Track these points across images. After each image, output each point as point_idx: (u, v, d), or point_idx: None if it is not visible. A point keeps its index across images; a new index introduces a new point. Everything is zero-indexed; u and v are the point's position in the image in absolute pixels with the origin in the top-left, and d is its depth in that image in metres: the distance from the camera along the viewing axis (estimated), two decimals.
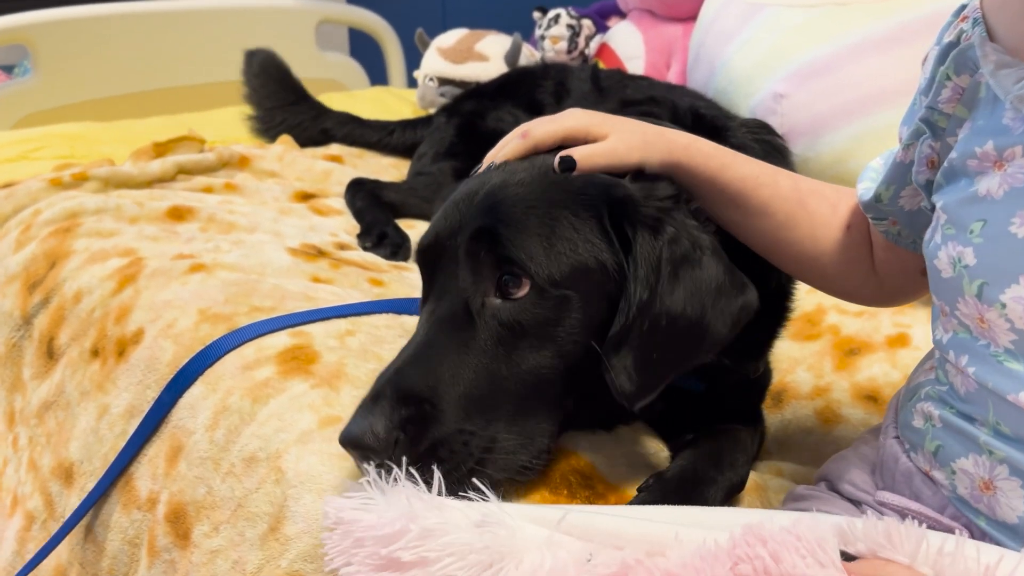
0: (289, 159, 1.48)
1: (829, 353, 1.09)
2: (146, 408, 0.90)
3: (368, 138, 1.66)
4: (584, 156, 0.73)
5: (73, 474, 0.96)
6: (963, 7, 0.63)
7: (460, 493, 0.61)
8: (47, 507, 1.01)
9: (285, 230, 1.17)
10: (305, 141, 1.64)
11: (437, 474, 0.60)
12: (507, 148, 0.77)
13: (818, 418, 1.02)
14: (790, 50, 1.29)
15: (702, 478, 0.76)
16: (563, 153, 0.73)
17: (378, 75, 2.57)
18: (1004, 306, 0.55)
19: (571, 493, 0.75)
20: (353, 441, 0.64)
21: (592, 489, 0.76)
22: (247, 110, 1.72)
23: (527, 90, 1.43)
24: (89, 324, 1.01)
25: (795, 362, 1.10)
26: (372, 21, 2.39)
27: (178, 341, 0.91)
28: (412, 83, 2.49)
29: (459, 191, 0.76)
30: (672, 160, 0.75)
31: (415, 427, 0.64)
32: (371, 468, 0.61)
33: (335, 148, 1.63)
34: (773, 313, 0.93)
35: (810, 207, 0.78)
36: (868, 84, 1.24)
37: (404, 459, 0.61)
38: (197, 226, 1.14)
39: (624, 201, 0.70)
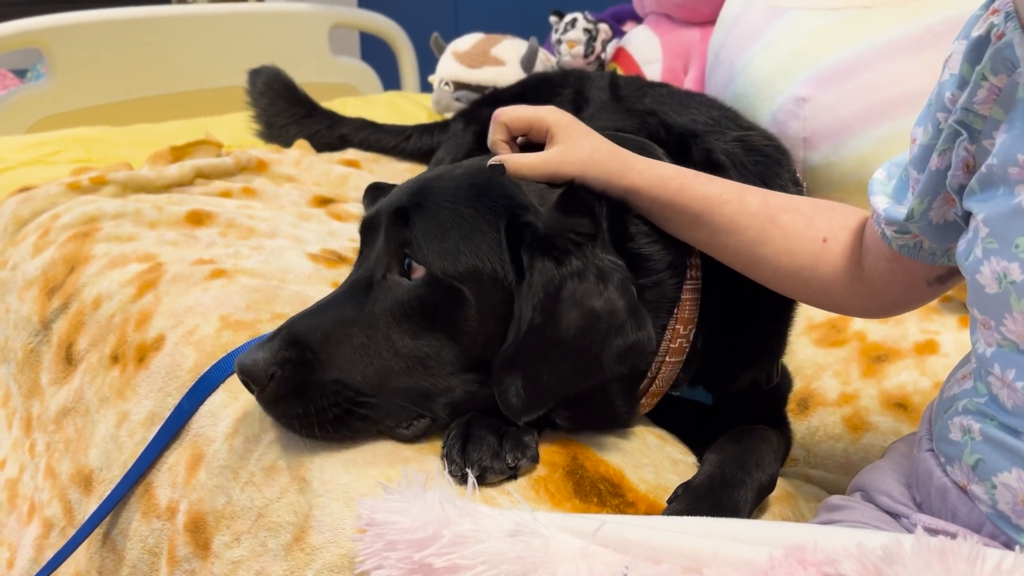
0: (306, 164, 1.47)
1: (856, 359, 1.07)
2: (167, 415, 0.89)
3: (384, 143, 1.65)
4: (516, 165, 0.78)
5: (92, 481, 0.96)
6: (991, 0, 0.60)
7: (319, 435, 0.73)
8: (66, 514, 1.00)
9: (305, 235, 1.16)
10: (322, 148, 1.63)
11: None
12: (490, 133, 0.85)
13: (846, 425, 1.01)
14: (813, 53, 1.28)
15: (730, 481, 0.75)
16: (496, 159, 0.79)
17: (390, 80, 2.57)
18: None
19: (601, 501, 0.74)
20: (240, 368, 0.73)
21: (622, 497, 0.74)
22: (257, 125, 1.71)
23: (546, 98, 1.42)
24: (109, 330, 1.00)
25: (821, 368, 1.08)
26: (385, 25, 2.38)
27: (200, 348, 0.90)
28: (426, 88, 2.49)
29: (413, 177, 0.84)
30: (626, 185, 0.78)
31: (292, 368, 0.72)
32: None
33: (351, 153, 1.62)
34: (778, 326, 0.93)
35: (782, 222, 0.77)
36: (893, 87, 1.22)
37: (274, 391, 0.72)
38: (216, 231, 1.14)
39: (522, 227, 0.74)
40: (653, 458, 0.82)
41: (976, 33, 0.59)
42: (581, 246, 0.75)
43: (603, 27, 1.84)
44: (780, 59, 1.31)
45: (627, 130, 0.93)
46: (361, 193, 1.44)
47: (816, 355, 1.10)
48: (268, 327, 0.90)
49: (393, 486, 0.63)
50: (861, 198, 1.26)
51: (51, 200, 1.20)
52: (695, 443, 0.88)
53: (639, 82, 1.42)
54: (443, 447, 0.73)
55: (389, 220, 0.77)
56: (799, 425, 1.03)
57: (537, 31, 2.03)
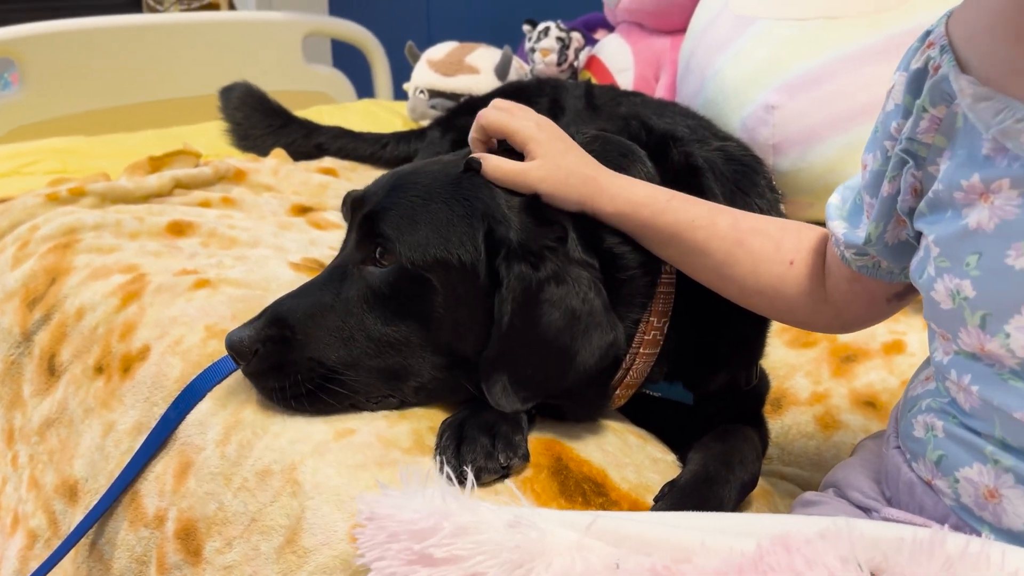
0: (284, 172, 1.48)
1: (826, 360, 1.11)
2: (153, 425, 0.89)
3: (361, 151, 1.66)
4: (492, 168, 0.80)
5: (78, 492, 0.96)
6: (928, 33, 0.63)
7: (294, 407, 0.79)
8: (51, 525, 1.00)
9: (286, 244, 1.17)
10: (299, 157, 1.64)
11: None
12: (471, 131, 0.87)
13: (818, 424, 1.04)
14: (782, 62, 1.31)
15: (715, 479, 0.78)
16: (475, 155, 0.82)
17: (363, 88, 2.58)
18: (1008, 336, 0.55)
19: (586, 500, 0.76)
20: (228, 343, 0.80)
21: (606, 496, 0.77)
22: (232, 138, 1.72)
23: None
24: (92, 341, 1.00)
25: (792, 368, 1.12)
26: (359, 33, 2.40)
27: (186, 358, 0.91)
28: (399, 95, 2.51)
29: (396, 168, 0.89)
30: (598, 210, 0.81)
31: (273, 345, 0.78)
32: None
33: (328, 161, 1.63)
34: (754, 328, 0.96)
35: (749, 245, 0.80)
36: (859, 95, 1.26)
37: (257, 365, 0.78)
38: (198, 241, 1.14)
39: (499, 239, 0.78)
40: (634, 458, 0.84)
41: (915, 66, 0.63)
42: (555, 250, 0.79)
43: (576, 36, 1.87)
44: (750, 67, 1.35)
45: (609, 131, 0.96)
46: (340, 201, 1.45)
47: (788, 356, 1.13)
48: None
49: (390, 485, 0.65)
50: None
51: (29, 212, 1.20)
52: (675, 443, 0.91)
53: (613, 91, 1.45)
54: (436, 448, 0.75)
55: (364, 212, 0.82)
56: (773, 424, 1.06)
57: (509, 39, 2.05)
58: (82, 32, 1.98)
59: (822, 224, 0.81)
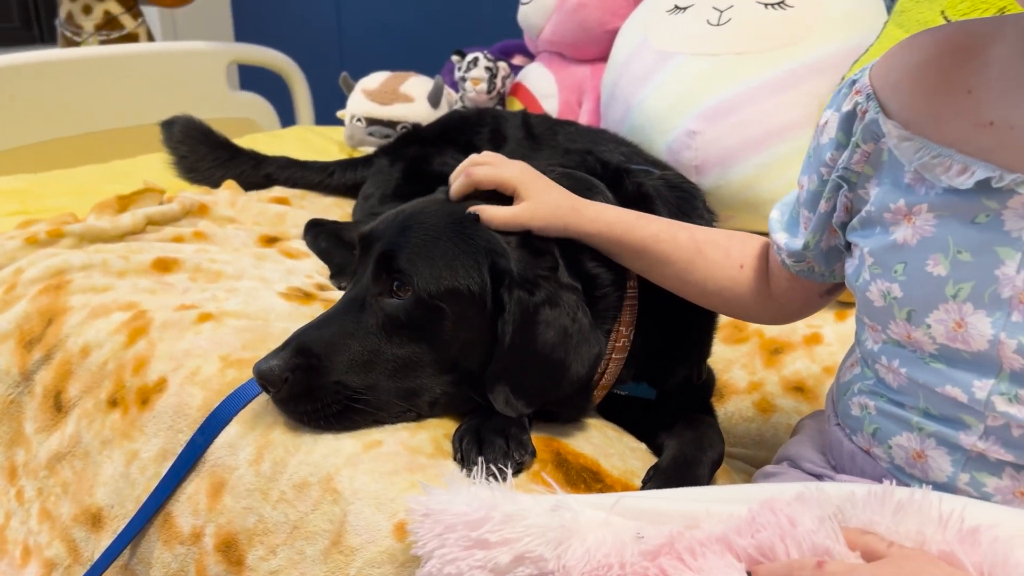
0: (241, 204, 1.55)
1: (757, 353, 1.28)
2: (179, 451, 0.97)
3: (310, 180, 1.74)
4: (489, 218, 0.93)
5: (103, 518, 1.02)
6: (854, 81, 0.79)
7: (323, 426, 0.89)
8: (71, 553, 1.05)
9: (269, 275, 1.25)
10: (249, 187, 1.70)
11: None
12: (456, 184, 0.97)
13: (757, 409, 1.21)
14: (700, 93, 1.48)
15: (691, 460, 0.93)
16: (473, 209, 0.93)
17: (283, 114, 2.64)
18: (929, 326, 0.71)
19: (587, 487, 0.89)
20: (258, 373, 0.88)
21: (602, 482, 0.90)
22: (178, 170, 1.76)
23: (467, 136, 1.57)
24: (103, 376, 1.06)
25: (730, 362, 1.28)
26: (281, 61, 2.46)
27: (207, 387, 0.99)
28: (321, 121, 2.59)
29: (396, 209, 0.99)
30: (581, 232, 0.94)
31: (302, 373, 0.88)
32: None
33: (278, 191, 1.70)
34: (702, 331, 1.12)
35: (706, 254, 0.95)
36: (768, 121, 1.45)
37: (287, 392, 0.88)
38: (186, 276, 1.21)
39: (502, 270, 0.90)
40: (616, 448, 0.98)
41: (846, 108, 0.78)
42: (548, 278, 0.92)
43: (502, 65, 2.00)
44: (671, 98, 1.52)
45: (569, 166, 1.09)
46: (299, 230, 1.54)
47: (725, 351, 1.30)
48: None
49: (430, 487, 0.76)
50: (748, 215, 1.49)
51: (10, 255, 1.24)
52: (641, 435, 1.06)
53: (549, 120, 1.60)
54: (458, 451, 0.87)
55: (378, 256, 0.92)
56: (718, 411, 1.22)
57: (421, 65, 2.18)
58: (6, 68, 1.97)
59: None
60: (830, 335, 1.26)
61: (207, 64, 2.31)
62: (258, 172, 1.74)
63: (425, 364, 0.91)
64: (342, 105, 2.07)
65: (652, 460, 0.98)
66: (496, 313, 0.90)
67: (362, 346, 0.90)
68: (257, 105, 2.49)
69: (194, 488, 0.95)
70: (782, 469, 0.92)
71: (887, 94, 0.76)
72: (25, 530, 1.12)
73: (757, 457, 1.14)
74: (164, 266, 1.23)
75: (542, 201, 0.93)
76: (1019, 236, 0.67)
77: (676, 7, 1.59)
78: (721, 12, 1.51)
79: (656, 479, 0.89)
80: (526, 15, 1.94)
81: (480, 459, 0.83)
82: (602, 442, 0.98)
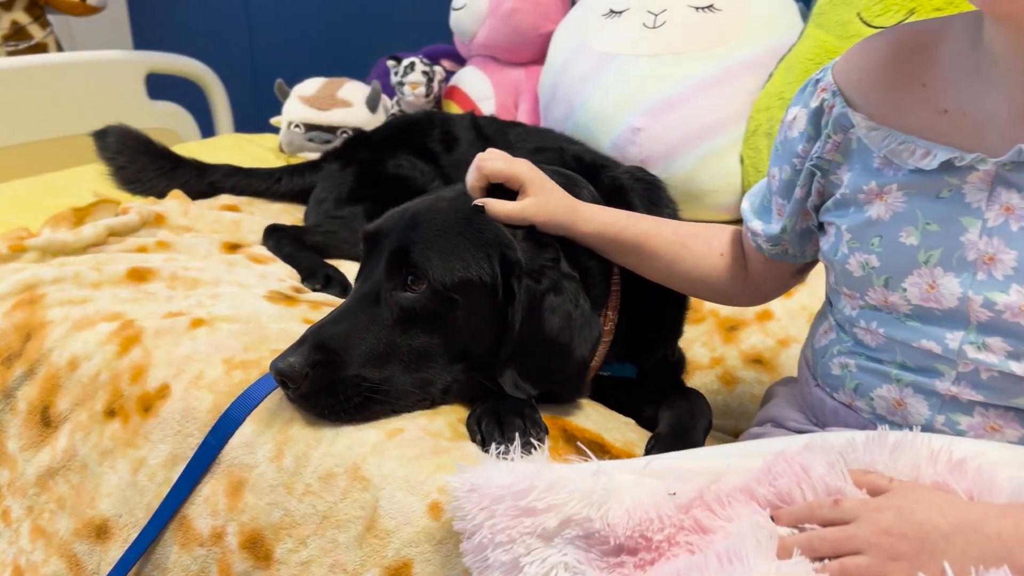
0: (194, 213, 1.54)
1: (715, 331, 1.38)
2: (190, 455, 0.98)
3: (256, 187, 1.74)
4: (496, 210, 0.98)
5: (110, 529, 1.01)
6: (817, 80, 0.89)
7: (345, 419, 0.91)
8: (72, 568, 1.04)
9: (244, 280, 1.26)
10: (194, 196, 1.68)
11: None
12: (470, 178, 1.03)
13: (721, 381, 1.31)
14: (642, 91, 1.58)
15: (687, 428, 1.01)
16: (479, 201, 0.98)
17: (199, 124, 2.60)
18: (905, 290, 0.81)
19: (598, 457, 0.95)
20: (277, 370, 0.91)
21: (608, 453, 0.97)
22: (117, 181, 1.72)
23: (419, 139, 1.61)
24: (96, 387, 1.06)
25: (691, 341, 1.38)
26: (200, 70, 2.42)
27: (214, 389, 1.00)
28: (239, 129, 2.56)
29: (401, 206, 1.02)
30: (578, 232, 1.01)
31: (322, 368, 0.90)
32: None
33: (225, 198, 1.70)
34: (674, 314, 1.21)
35: (690, 246, 1.04)
36: (706, 116, 1.55)
37: (308, 387, 0.90)
38: (164, 284, 1.21)
39: (511, 261, 0.95)
40: (613, 423, 1.05)
41: (814, 104, 0.88)
42: (552, 268, 0.98)
43: (438, 69, 2.05)
44: (615, 97, 1.61)
45: (548, 161, 1.16)
46: (257, 236, 1.54)
47: (685, 331, 1.39)
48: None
49: (465, 466, 0.81)
50: (691, 205, 1.59)
51: None
52: (628, 408, 1.13)
53: (497, 122, 1.65)
54: (478, 433, 0.91)
55: (391, 252, 0.95)
56: None
57: (332, 69, 2.20)
58: None
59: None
60: (779, 311, 1.37)
61: (125, 74, 2.25)
62: (203, 181, 1.72)
63: (438, 354, 0.95)
64: (256, 113, 2.07)
65: (643, 432, 1.05)
66: (506, 302, 0.95)
67: (378, 339, 0.93)
68: (177, 115, 2.44)
69: (210, 489, 0.96)
70: (767, 430, 1.01)
71: (851, 90, 0.86)
72: (15, 550, 1.09)
73: (726, 426, 1.23)
74: (139, 276, 1.22)
75: (546, 199, 0.99)
76: (979, 207, 0.77)
77: (611, 11, 1.68)
78: (656, 15, 1.61)
79: (659, 446, 0.97)
80: (459, 20, 1.99)
81: (504, 438, 0.89)
82: (599, 418, 1.04)
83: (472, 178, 1.02)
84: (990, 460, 0.74)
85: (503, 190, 1.02)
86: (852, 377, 0.90)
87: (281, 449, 0.94)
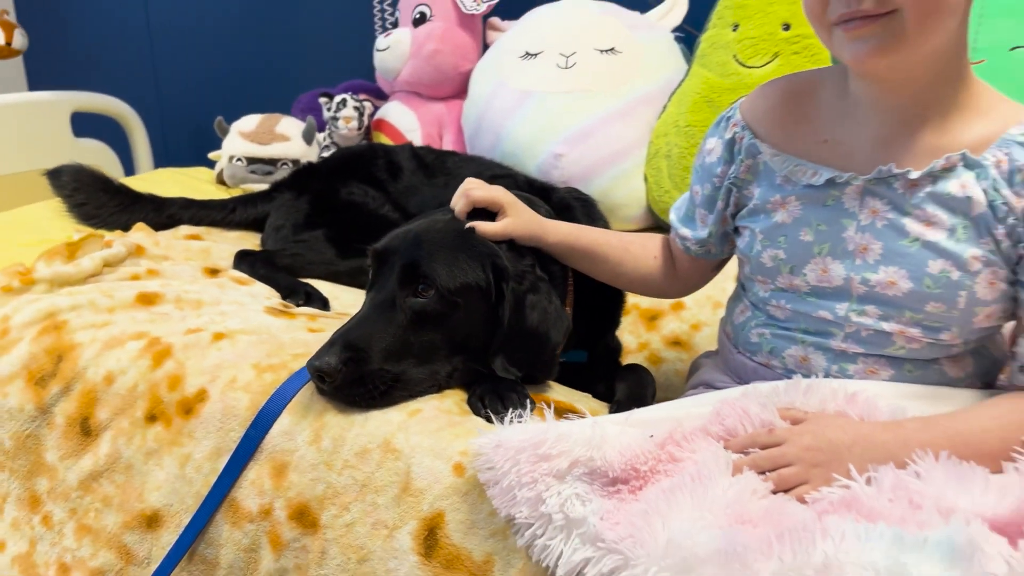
0: (165, 244, 1.68)
1: (639, 321, 1.65)
2: (232, 447, 1.15)
3: (213, 217, 1.87)
4: (483, 230, 1.21)
5: (161, 517, 1.16)
6: (728, 117, 1.16)
7: (372, 405, 1.10)
8: (122, 557, 1.18)
9: (239, 299, 1.43)
10: (155, 228, 1.80)
11: None
12: (459, 204, 1.24)
13: (648, 362, 1.58)
14: (560, 123, 1.84)
15: (639, 395, 1.27)
16: (470, 224, 1.21)
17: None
18: (805, 275, 1.08)
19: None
20: (314, 368, 1.09)
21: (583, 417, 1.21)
22: (75, 217, 1.81)
23: (365, 168, 1.80)
24: (134, 397, 1.20)
25: (620, 331, 1.64)
26: (122, 109, 2.51)
27: (249, 390, 1.17)
28: (157, 164, 2.65)
29: (403, 227, 1.21)
30: (545, 243, 1.24)
31: (353, 364, 1.09)
32: None
33: (185, 229, 1.83)
34: (616, 308, 1.47)
35: (631, 251, 1.30)
36: (614, 143, 1.83)
37: (342, 380, 1.08)
38: (172, 306, 1.36)
39: (501, 269, 1.18)
40: (574, 397, 1.28)
41: (727, 136, 1.15)
42: (529, 273, 1.21)
43: (368, 104, 2.25)
44: (536, 128, 1.86)
45: (506, 187, 1.39)
46: (228, 261, 1.69)
47: None
48: (297, 364, 1.20)
49: (484, 430, 1.02)
50: (607, 218, 1.85)
51: None
52: (582, 385, 1.37)
53: (435, 152, 1.87)
54: (483, 408, 1.13)
55: (403, 267, 1.15)
56: None
57: (241, 108, 2.36)
58: None
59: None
60: (689, 301, 1.66)
61: (50, 113, 2.31)
62: (161, 214, 1.83)
63: (443, 347, 1.16)
64: (168, 148, 2.19)
65: (602, 404, 1.30)
66: (497, 302, 1.18)
67: (395, 338, 1.13)
68: (101, 152, 2.51)
69: (255, 474, 1.13)
70: (700, 391, 1.28)
71: (756, 125, 1.14)
72: (58, 550, 1.22)
73: (658, 397, 1.50)
74: (148, 299, 1.36)
75: (522, 218, 1.23)
76: (854, 211, 1.06)
77: (528, 53, 1.94)
78: (567, 57, 1.89)
79: (619, 410, 1.22)
80: (383, 60, 2.20)
81: (505, 408, 1.11)
82: (568, 394, 1.28)
83: (461, 204, 1.23)
84: (872, 393, 1.03)
85: (484, 211, 1.25)
86: (767, 342, 1.17)
87: (319, 434, 1.12)
